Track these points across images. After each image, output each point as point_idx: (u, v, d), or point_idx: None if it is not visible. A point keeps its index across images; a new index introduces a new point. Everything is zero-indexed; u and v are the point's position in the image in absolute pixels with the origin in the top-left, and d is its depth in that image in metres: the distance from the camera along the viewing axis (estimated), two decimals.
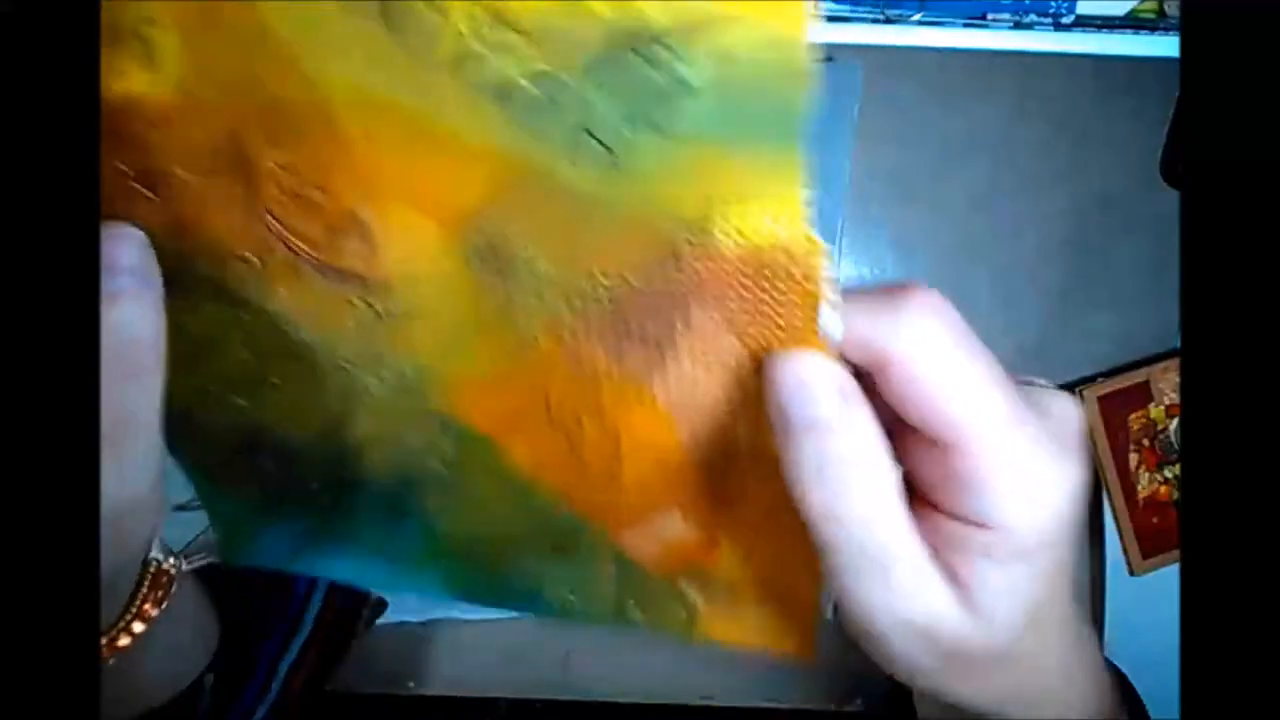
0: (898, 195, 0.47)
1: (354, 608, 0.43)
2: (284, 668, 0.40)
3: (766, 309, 0.21)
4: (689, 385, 0.24)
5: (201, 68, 0.20)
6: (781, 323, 0.21)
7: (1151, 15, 0.45)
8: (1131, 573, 0.52)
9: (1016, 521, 0.21)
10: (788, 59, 0.18)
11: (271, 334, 0.25)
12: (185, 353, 0.24)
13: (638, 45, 0.18)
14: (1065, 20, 0.45)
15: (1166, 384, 0.50)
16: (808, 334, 0.21)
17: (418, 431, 0.27)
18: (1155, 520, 0.51)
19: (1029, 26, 0.45)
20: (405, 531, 0.30)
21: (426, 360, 0.25)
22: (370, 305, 0.24)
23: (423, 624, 0.51)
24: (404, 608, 0.47)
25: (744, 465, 0.25)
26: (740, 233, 0.20)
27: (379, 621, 0.45)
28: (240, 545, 0.32)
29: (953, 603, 0.22)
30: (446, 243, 0.22)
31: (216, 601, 0.36)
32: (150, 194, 0.22)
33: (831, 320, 0.21)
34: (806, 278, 0.20)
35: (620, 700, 0.52)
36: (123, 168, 0.22)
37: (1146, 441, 0.51)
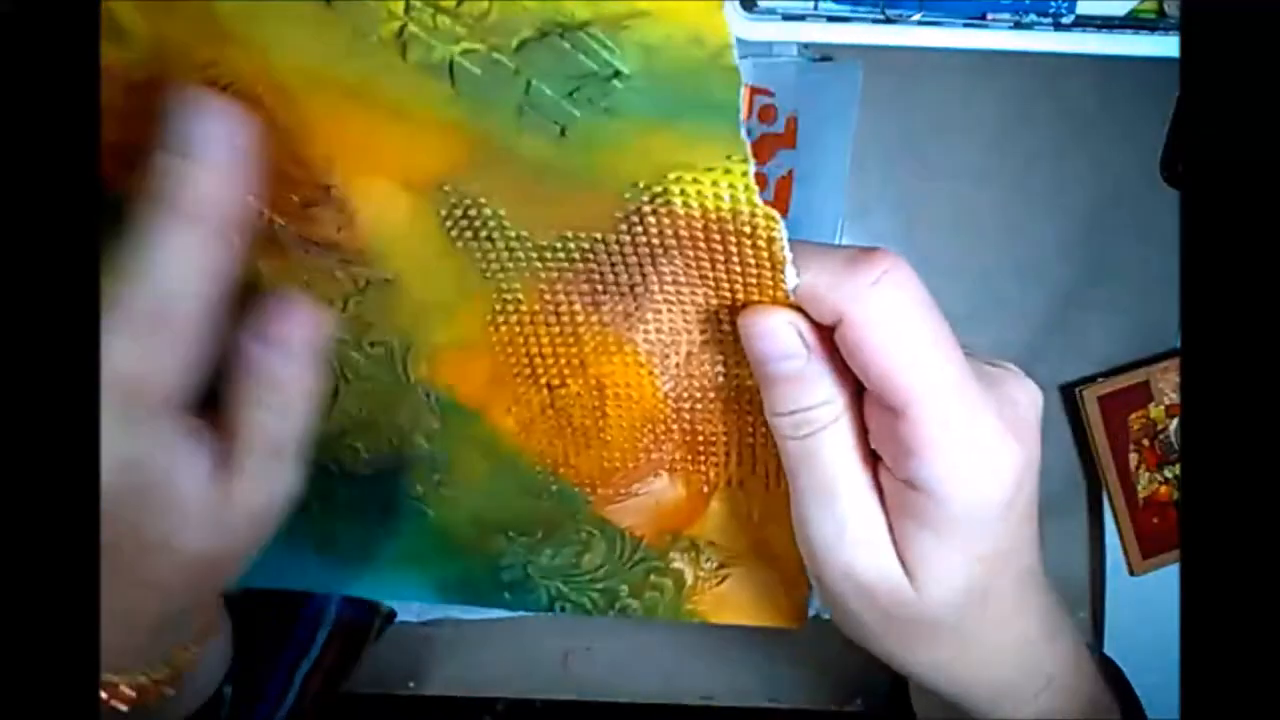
0: (897, 195, 0.47)
1: (365, 620, 0.43)
2: (299, 678, 0.40)
3: (733, 264, 0.22)
4: (667, 331, 0.24)
5: (164, 43, 0.20)
6: (748, 278, 0.22)
7: (1151, 15, 0.45)
8: (1131, 573, 0.52)
9: (954, 492, 0.22)
10: (711, 56, 0.18)
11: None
12: None
13: (565, 33, 0.18)
14: (1065, 20, 0.45)
15: (1166, 384, 0.50)
16: (775, 289, 0.22)
17: (404, 408, 0.26)
18: (1155, 520, 0.51)
19: (1029, 26, 0.45)
20: (392, 529, 0.29)
21: (411, 328, 0.25)
22: (352, 277, 0.24)
23: (423, 624, 0.51)
24: (404, 608, 0.47)
25: (726, 407, 0.25)
26: (696, 199, 0.21)
27: None
28: None
29: (895, 564, 0.23)
30: (418, 206, 0.23)
31: (230, 614, 0.36)
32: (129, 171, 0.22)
33: (792, 277, 0.21)
34: (768, 241, 0.21)
35: (620, 700, 0.52)
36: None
37: (1146, 441, 0.51)
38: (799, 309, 0.22)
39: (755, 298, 0.22)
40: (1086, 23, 0.45)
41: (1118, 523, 0.51)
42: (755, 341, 0.22)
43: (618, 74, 0.19)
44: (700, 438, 0.26)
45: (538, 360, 0.25)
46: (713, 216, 0.21)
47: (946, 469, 0.22)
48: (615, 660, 0.52)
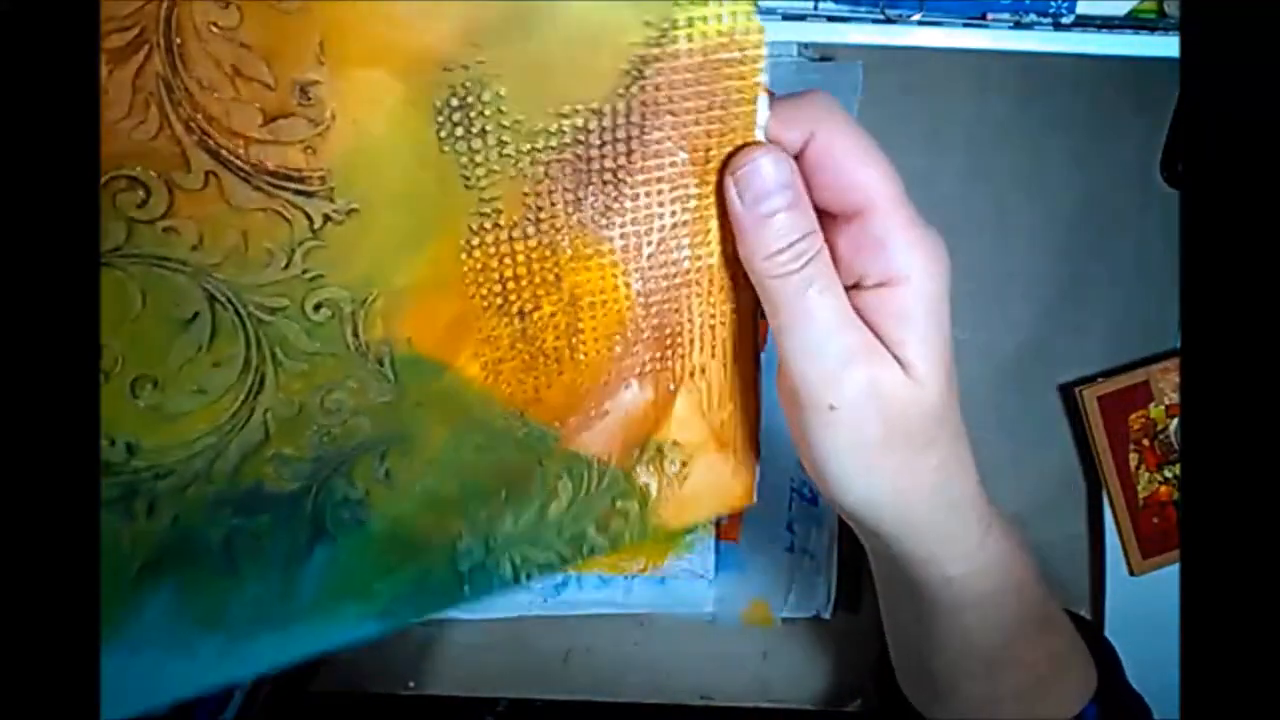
0: None
1: None
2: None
3: (715, 111, 0.24)
4: (642, 219, 0.25)
5: None
6: (727, 124, 0.24)
7: (1151, 15, 0.45)
8: (1131, 573, 0.52)
9: (925, 271, 0.25)
10: None
11: (155, 297, 0.21)
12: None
13: None
14: (1065, 20, 0.45)
15: (1166, 384, 0.50)
16: (747, 132, 0.24)
17: (348, 385, 0.24)
18: (1155, 520, 0.51)
19: (1029, 26, 0.45)
20: (318, 562, 0.25)
21: (370, 275, 0.23)
22: (307, 214, 0.21)
23: (423, 624, 0.51)
24: None
25: (690, 293, 0.26)
26: (697, 27, 0.22)
27: None
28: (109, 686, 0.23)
29: (890, 363, 0.25)
30: (413, 99, 0.21)
31: None
32: None
33: (764, 107, 0.24)
34: (750, 66, 0.23)
35: (620, 700, 0.52)
36: None
37: (1146, 441, 0.51)
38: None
39: (731, 143, 0.24)
40: (1086, 23, 0.45)
41: (1118, 523, 0.51)
42: (750, 180, 0.24)
43: None
44: (667, 332, 0.27)
45: (510, 285, 0.24)
46: (711, 46, 0.23)
47: (916, 254, 0.25)
48: (615, 660, 0.52)
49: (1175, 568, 0.52)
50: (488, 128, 0.22)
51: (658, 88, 0.23)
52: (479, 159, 0.22)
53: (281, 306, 0.22)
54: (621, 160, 0.24)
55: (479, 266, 0.24)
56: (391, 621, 0.27)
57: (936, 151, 0.48)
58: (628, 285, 0.26)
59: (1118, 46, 0.45)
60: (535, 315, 0.25)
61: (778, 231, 0.24)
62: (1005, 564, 0.30)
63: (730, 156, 0.24)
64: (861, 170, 0.25)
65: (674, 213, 0.25)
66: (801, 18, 0.42)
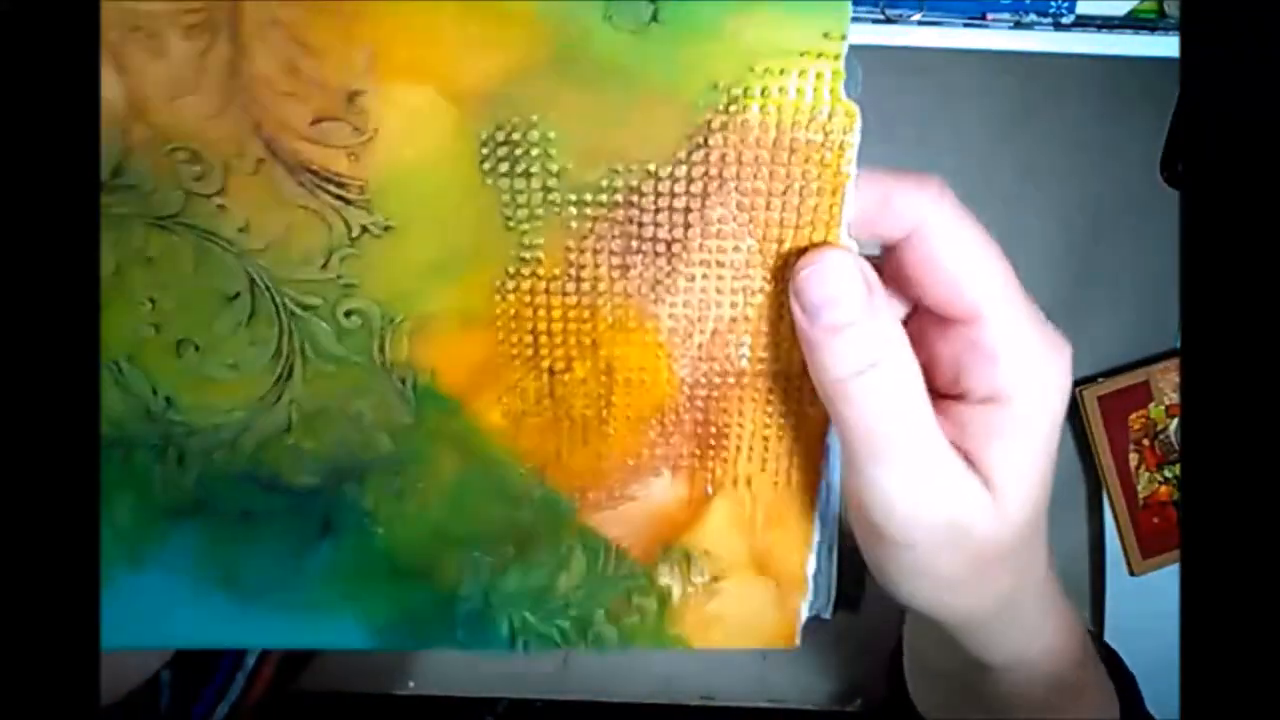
0: None
1: None
2: (250, 661, 0.39)
3: (791, 198, 0.21)
4: (696, 305, 0.23)
5: None
6: (803, 215, 0.21)
7: (1151, 15, 0.45)
8: (1131, 573, 0.52)
9: (1028, 391, 0.22)
10: None
11: (205, 269, 0.22)
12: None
13: None
14: (1065, 20, 0.45)
15: (1166, 384, 0.50)
16: (831, 225, 0.21)
17: (371, 397, 0.23)
18: (1155, 520, 0.51)
19: (1029, 26, 0.45)
20: (328, 559, 0.26)
21: (401, 294, 0.22)
22: (346, 221, 0.21)
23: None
24: None
25: (745, 395, 0.24)
26: (773, 99, 0.20)
27: None
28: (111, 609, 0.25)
29: (978, 490, 0.23)
30: (459, 124, 0.21)
31: None
32: (117, 62, 0.20)
33: (850, 201, 0.21)
34: (835, 152, 0.21)
35: (620, 700, 0.52)
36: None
37: (1146, 441, 0.51)
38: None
39: (808, 237, 0.21)
40: (1086, 23, 0.45)
41: (1118, 523, 0.51)
42: (810, 285, 0.21)
43: None
44: (712, 429, 0.25)
45: (543, 339, 0.23)
46: (787, 123, 0.20)
47: (1022, 370, 0.22)
48: (615, 660, 0.52)
49: (1175, 568, 0.52)
50: (533, 169, 0.21)
51: (724, 160, 0.21)
52: (521, 200, 0.22)
53: (315, 305, 0.22)
54: (678, 233, 0.22)
55: (512, 312, 0.23)
56: (384, 640, 0.27)
57: (936, 151, 0.48)
58: (671, 370, 0.24)
59: (1118, 46, 0.45)
60: (566, 376, 0.24)
61: (847, 350, 0.21)
62: (1057, 645, 0.28)
63: (800, 254, 0.22)
64: (974, 270, 0.22)
65: (735, 304, 0.23)
66: None
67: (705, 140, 0.21)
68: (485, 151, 0.21)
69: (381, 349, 0.23)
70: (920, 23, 0.45)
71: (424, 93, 0.20)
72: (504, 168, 0.21)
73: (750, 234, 0.22)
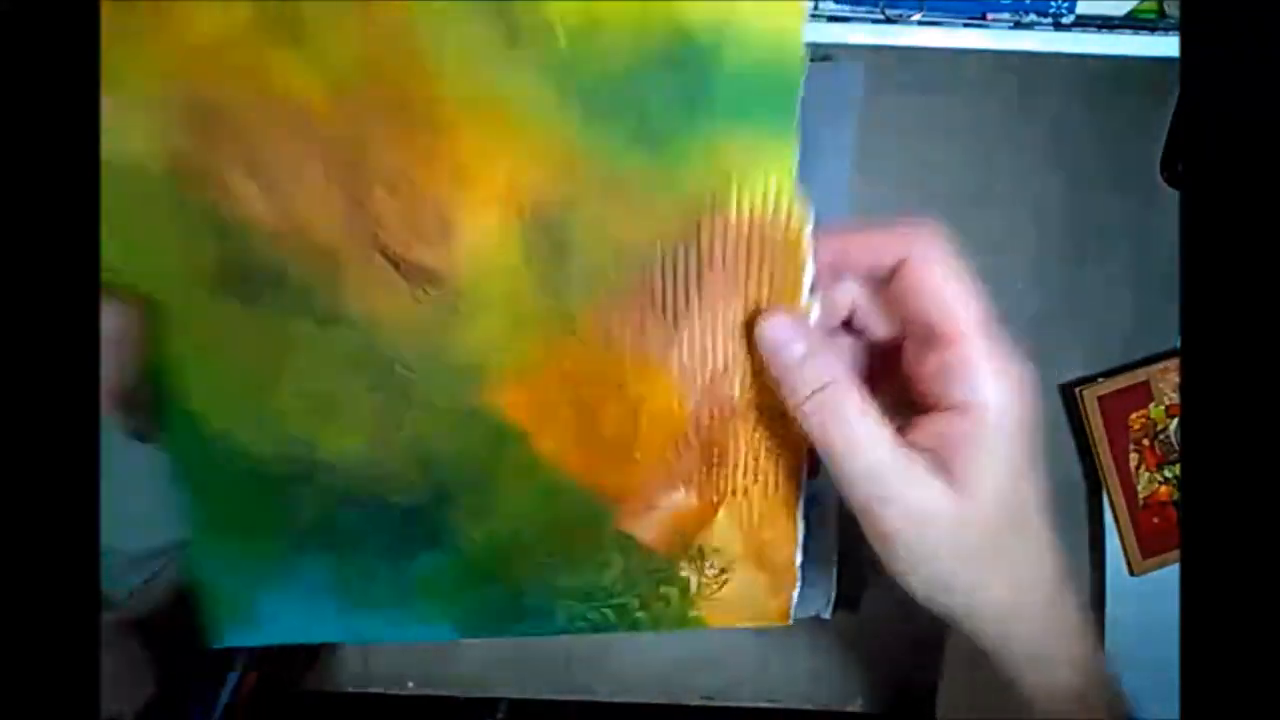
0: (898, 195, 0.47)
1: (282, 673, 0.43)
2: (232, 677, 0.40)
3: (765, 270, 0.27)
4: (698, 354, 0.29)
5: (350, 65, 0.23)
6: (775, 284, 0.27)
7: (1151, 15, 0.45)
8: (1131, 573, 0.52)
9: (997, 398, 0.27)
10: (786, 51, 0.24)
11: (341, 343, 0.27)
12: (246, 374, 0.27)
13: (678, 47, 0.23)
14: (1065, 20, 0.45)
15: (1166, 384, 0.50)
16: (796, 289, 0.27)
17: (461, 432, 0.29)
18: (1155, 520, 0.51)
19: (1029, 26, 0.45)
20: (424, 566, 0.31)
21: (480, 354, 0.28)
22: (432, 300, 0.27)
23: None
24: None
25: (740, 423, 0.30)
26: (747, 198, 0.26)
27: None
28: (236, 617, 0.31)
29: (938, 482, 0.27)
30: (515, 232, 0.26)
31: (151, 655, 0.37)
32: (263, 192, 0.24)
33: (809, 273, 0.27)
34: (794, 236, 0.26)
35: (620, 700, 0.52)
36: (237, 165, 0.24)
37: (1146, 441, 0.51)
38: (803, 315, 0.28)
39: (780, 299, 0.27)
40: (1086, 23, 0.45)
41: (1118, 523, 0.51)
42: (768, 333, 0.27)
43: (714, 80, 0.24)
44: (715, 451, 0.31)
45: (584, 385, 0.29)
46: (757, 221, 0.26)
47: (992, 381, 0.27)
48: (615, 660, 0.52)
49: (1175, 568, 0.52)
50: (570, 259, 0.26)
51: (714, 242, 0.26)
52: (562, 284, 0.27)
53: (415, 365, 0.28)
54: (680, 303, 0.27)
55: (556, 364, 0.28)
56: (466, 632, 0.33)
57: (936, 151, 0.48)
58: (682, 406, 0.29)
59: (1118, 46, 0.45)
60: (601, 414, 0.29)
61: (799, 380, 0.27)
62: (1074, 651, 0.30)
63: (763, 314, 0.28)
64: (951, 299, 0.27)
65: (728, 353, 0.28)
66: None
67: (700, 226, 0.26)
68: (535, 249, 0.26)
69: (468, 395, 0.28)
70: (920, 23, 0.45)
71: (491, 208, 0.25)
72: (548, 259, 0.26)
73: (736, 300, 0.28)
